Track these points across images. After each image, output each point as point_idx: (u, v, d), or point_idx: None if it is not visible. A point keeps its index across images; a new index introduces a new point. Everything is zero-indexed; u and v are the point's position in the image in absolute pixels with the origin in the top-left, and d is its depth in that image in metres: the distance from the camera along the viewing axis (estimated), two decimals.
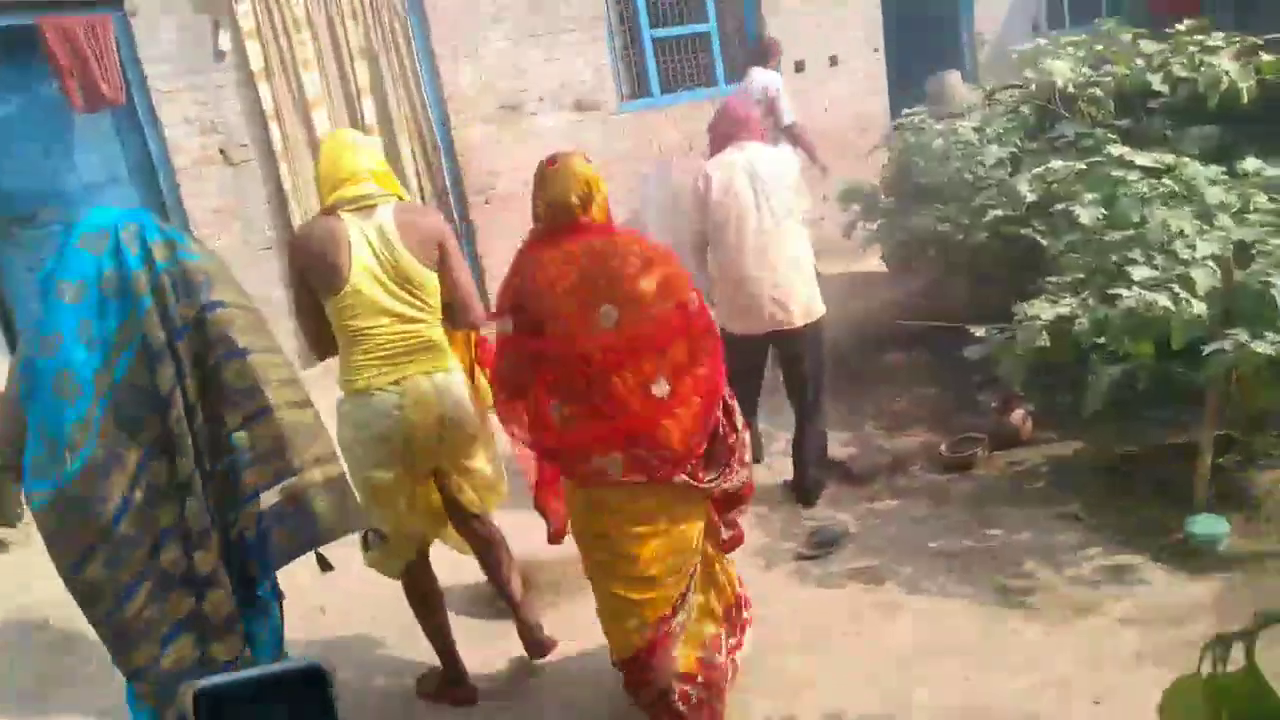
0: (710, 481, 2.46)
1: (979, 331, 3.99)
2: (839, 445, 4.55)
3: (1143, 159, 4.08)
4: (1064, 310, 3.15)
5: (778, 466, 4.42)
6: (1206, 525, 3.15)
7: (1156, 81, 4.41)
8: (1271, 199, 3.71)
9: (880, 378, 5.35)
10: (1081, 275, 3.52)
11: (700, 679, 2.52)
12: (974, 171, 4.69)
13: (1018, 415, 4.33)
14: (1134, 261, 3.30)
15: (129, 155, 5.55)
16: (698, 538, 2.53)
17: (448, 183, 6.46)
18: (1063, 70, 4.43)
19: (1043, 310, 3.23)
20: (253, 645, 2.19)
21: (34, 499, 2.01)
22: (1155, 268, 3.15)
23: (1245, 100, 4.28)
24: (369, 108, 6.00)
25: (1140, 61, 4.51)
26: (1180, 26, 4.48)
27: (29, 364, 2.04)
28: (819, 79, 8.20)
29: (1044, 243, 4.16)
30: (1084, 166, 4.20)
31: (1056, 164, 4.32)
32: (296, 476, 2.13)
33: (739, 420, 2.57)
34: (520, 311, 2.49)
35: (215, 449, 2.12)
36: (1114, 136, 4.39)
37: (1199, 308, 2.93)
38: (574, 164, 2.50)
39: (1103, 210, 3.63)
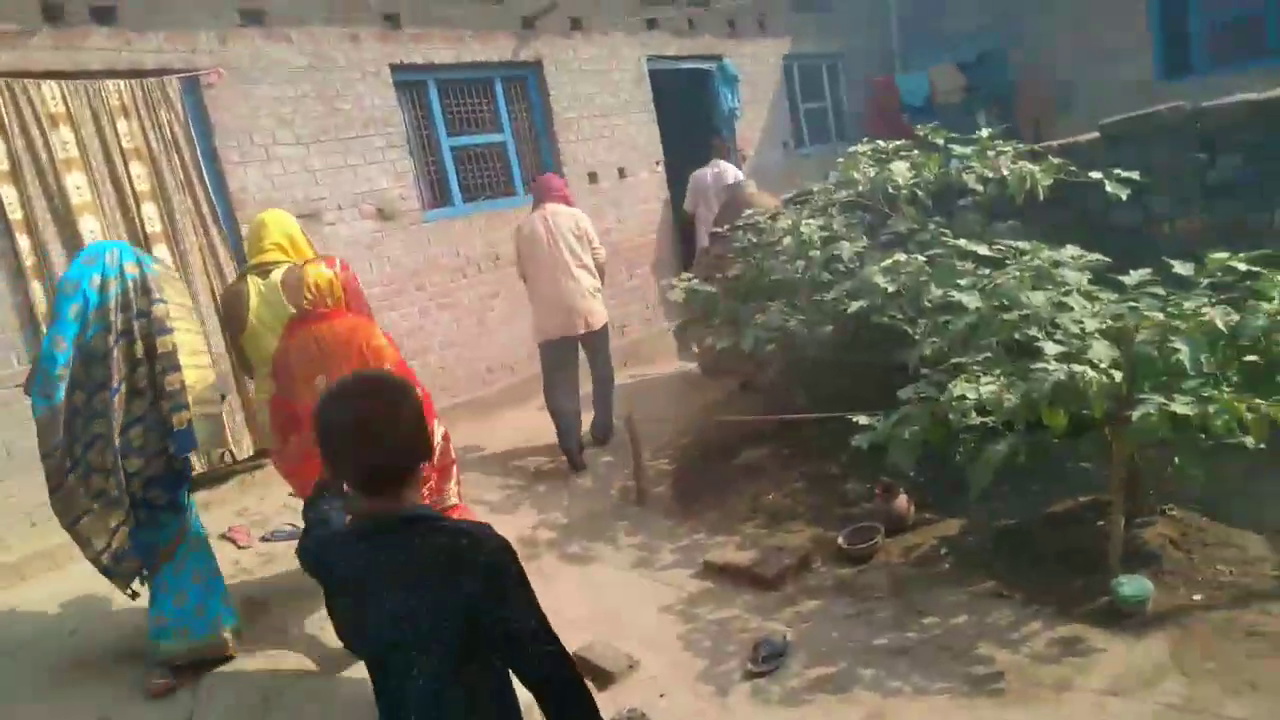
0: None
1: (861, 419, 4.03)
2: (732, 549, 4.36)
3: (981, 249, 4.42)
4: (988, 389, 3.21)
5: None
6: (1134, 586, 3.26)
7: (971, 180, 4.84)
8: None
9: (743, 476, 5.26)
10: (965, 359, 3.64)
11: None
12: (828, 269, 4.82)
13: (901, 500, 4.37)
14: (1034, 339, 3.47)
15: None
16: None
17: None
18: (903, 171, 4.74)
19: (965, 389, 3.28)
20: (165, 530, 3.62)
21: (36, 408, 3.32)
22: (1059, 343, 3.32)
23: (1041, 197, 4.82)
24: (150, 213, 5.16)
25: (955, 164, 4.95)
26: (982, 134, 4.99)
27: (48, 333, 3.41)
28: (610, 188, 8.34)
29: (909, 330, 4.32)
30: (925, 258, 4.47)
31: (904, 256, 4.56)
32: (189, 409, 3.49)
33: (449, 471, 3.54)
34: (280, 378, 3.46)
35: (156, 389, 3.48)
36: (944, 231, 4.74)
37: (1117, 376, 3.10)
38: (307, 275, 3.41)
39: (976, 299, 3.83)
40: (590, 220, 5.82)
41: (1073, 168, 4.71)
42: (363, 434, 1.61)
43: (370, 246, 6.44)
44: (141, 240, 5.12)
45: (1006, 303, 3.66)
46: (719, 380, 6.87)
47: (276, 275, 3.66)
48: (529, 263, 5.59)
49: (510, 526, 4.93)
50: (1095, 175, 4.54)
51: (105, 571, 3.52)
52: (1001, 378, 3.30)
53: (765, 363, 5.65)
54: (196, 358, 3.58)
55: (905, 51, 12.48)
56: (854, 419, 4.01)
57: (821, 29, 11.27)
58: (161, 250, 5.08)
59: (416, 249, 6.69)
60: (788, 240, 4.96)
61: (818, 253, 4.87)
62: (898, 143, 5.09)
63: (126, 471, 3.40)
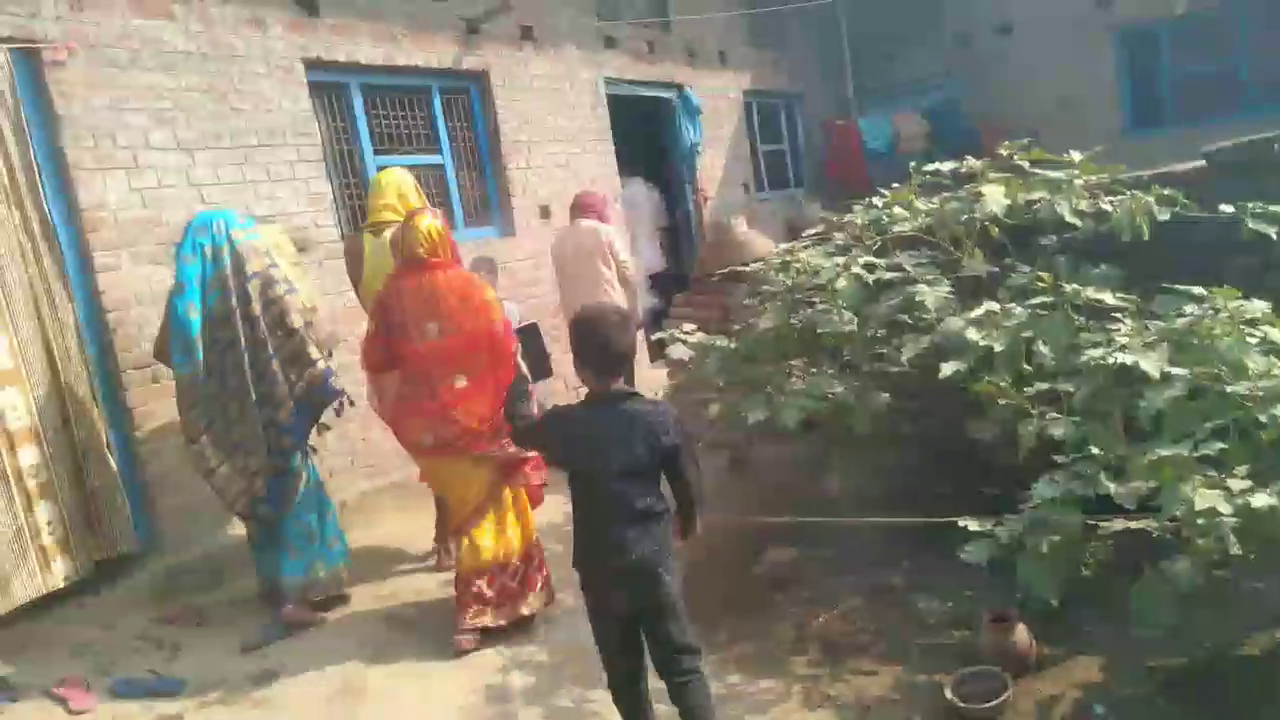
0: (487, 454, 3.62)
1: (973, 524, 2.93)
2: (777, 697, 3.13)
3: (1106, 297, 3.41)
4: (1262, 501, 2.11)
5: None
6: None
7: (1067, 213, 3.85)
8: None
9: (774, 588, 4.04)
10: (1168, 448, 2.56)
11: (496, 584, 3.70)
12: (892, 321, 3.73)
13: (1022, 634, 3.21)
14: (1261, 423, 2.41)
15: None
16: (485, 487, 3.68)
17: (84, 349, 4.17)
18: (997, 199, 3.70)
19: (1210, 498, 2.17)
20: (292, 475, 3.99)
21: (178, 369, 3.85)
22: None
23: (1147, 237, 3.87)
24: None
25: (1042, 195, 3.96)
26: (1075, 156, 4.03)
27: (171, 300, 3.88)
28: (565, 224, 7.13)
29: (1010, 400, 3.22)
30: (1039, 308, 3.43)
31: (995, 306, 3.51)
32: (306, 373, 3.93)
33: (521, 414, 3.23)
34: (382, 316, 3.62)
35: (278, 345, 3.89)
36: (1043, 275, 3.71)
37: None
38: (420, 223, 3.59)
39: (1156, 363, 2.77)
40: (615, 239, 5.71)
41: (1185, 200, 3.78)
42: (615, 338, 2.60)
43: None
44: None
45: (1218, 371, 2.60)
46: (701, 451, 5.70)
47: (387, 234, 3.85)
48: (559, 278, 5.78)
49: (467, 677, 3.57)
50: (1227, 209, 3.62)
51: (241, 515, 4.03)
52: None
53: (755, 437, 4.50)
54: (310, 314, 4.01)
55: (859, 97, 11.88)
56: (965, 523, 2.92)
57: (779, 68, 10.52)
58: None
59: (332, 290, 5.31)
60: (841, 283, 3.83)
61: (882, 302, 3.77)
62: (976, 161, 4.07)
63: (262, 422, 3.83)
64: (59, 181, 4.21)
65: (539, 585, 3.83)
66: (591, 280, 5.56)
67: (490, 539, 3.68)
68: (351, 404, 4.15)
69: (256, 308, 3.81)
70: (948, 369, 3.39)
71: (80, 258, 4.25)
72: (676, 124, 8.58)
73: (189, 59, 4.74)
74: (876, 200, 4.81)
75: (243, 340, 3.79)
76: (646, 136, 8.67)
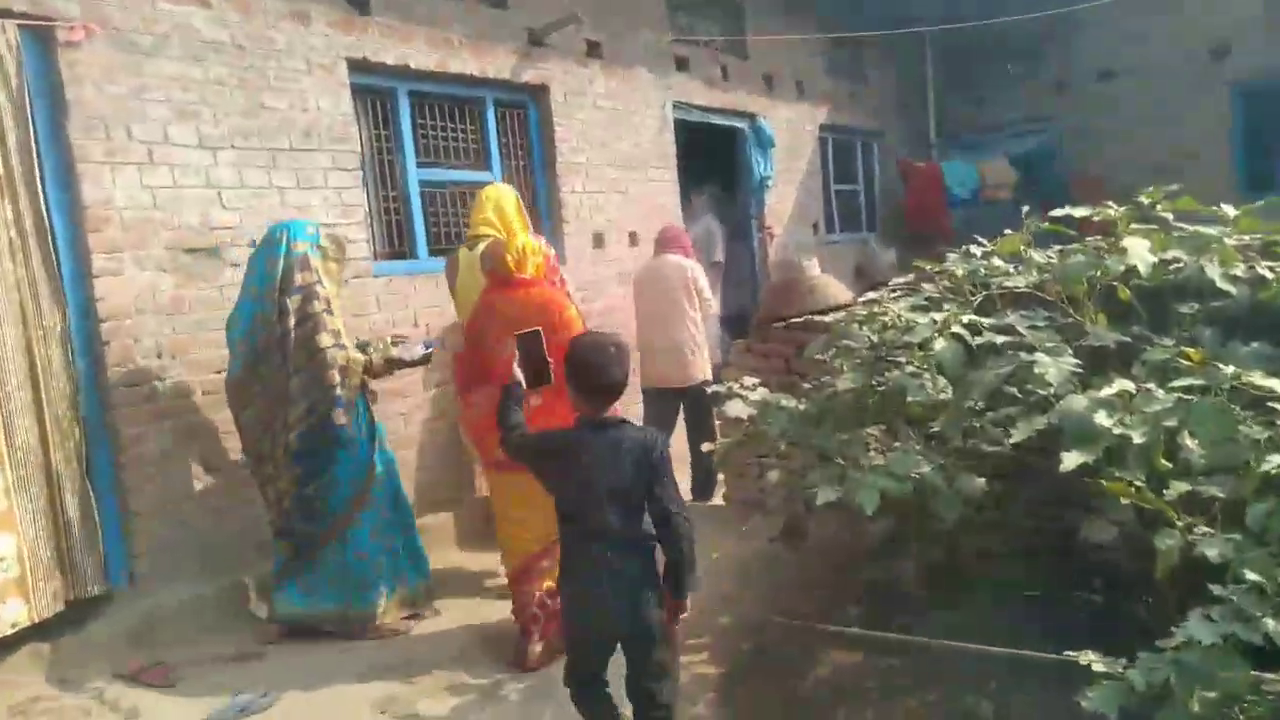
0: None
1: (1097, 662, 2.30)
2: None
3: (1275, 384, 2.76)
4: None
5: None
6: None
7: (1219, 278, 3.21)
8: None
9: (834, 701, 3.40)
10: None
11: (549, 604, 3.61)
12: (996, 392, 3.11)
13: None
14: None
15: None
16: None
17: (72, 361, 3.75)
18: (1143, 255, 3.08)
19: None
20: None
21: (229, 375, 3.91)
22: None
23: None
24: None
25: (1181, 254, 3.32)
26: (1227, 211, 3.39)
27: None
28: (620, 255, 6.63)
29: (1144, 502, 2.57)
30: (1185, 390, 2.80)
31: (1129, 385, 2.88)
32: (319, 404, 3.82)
33: None
34: (472, 332, 3.78)
35: (311, 366, 3.82)
36: (1189, 351, 3.07)
37: None
38: (514, 240, 3.71)
39: None
40: (700, 275, 5.59)
41: None
42: (611, 369, 2.63)
43: None
44: None
45: None
46: (744, 515, 5.10)
47: (479, 249, 3.79)
48: (638, 311, 5.65)
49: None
50: None
51: (276, 534, 3.94)
52: None
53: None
54: (350, 340, 3.96)
55: (942, 140, 11.29)
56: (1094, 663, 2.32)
57: (858, 102, 9.95)
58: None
59: (357, 311, 4.85)
60: (939, 344, 3.23)
61: (986, 369, 3.16)
62: (1115, 208, 3.43)
63: (282, 445, 3.80)
64: (62, 174, 3.82)
65: None
66: (674, 316, 5.42)
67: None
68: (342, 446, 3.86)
69: (291, 321, 3.76)
70: (1071, 460, 2.75)
71: (77, 259, 3.84)
72: (747, 155, 8.05)
73: (221, 50, 4.36)
74: (975, 249, 4.23)
75: (274, 356, 3.77)
76: (713, 167, 8.16)
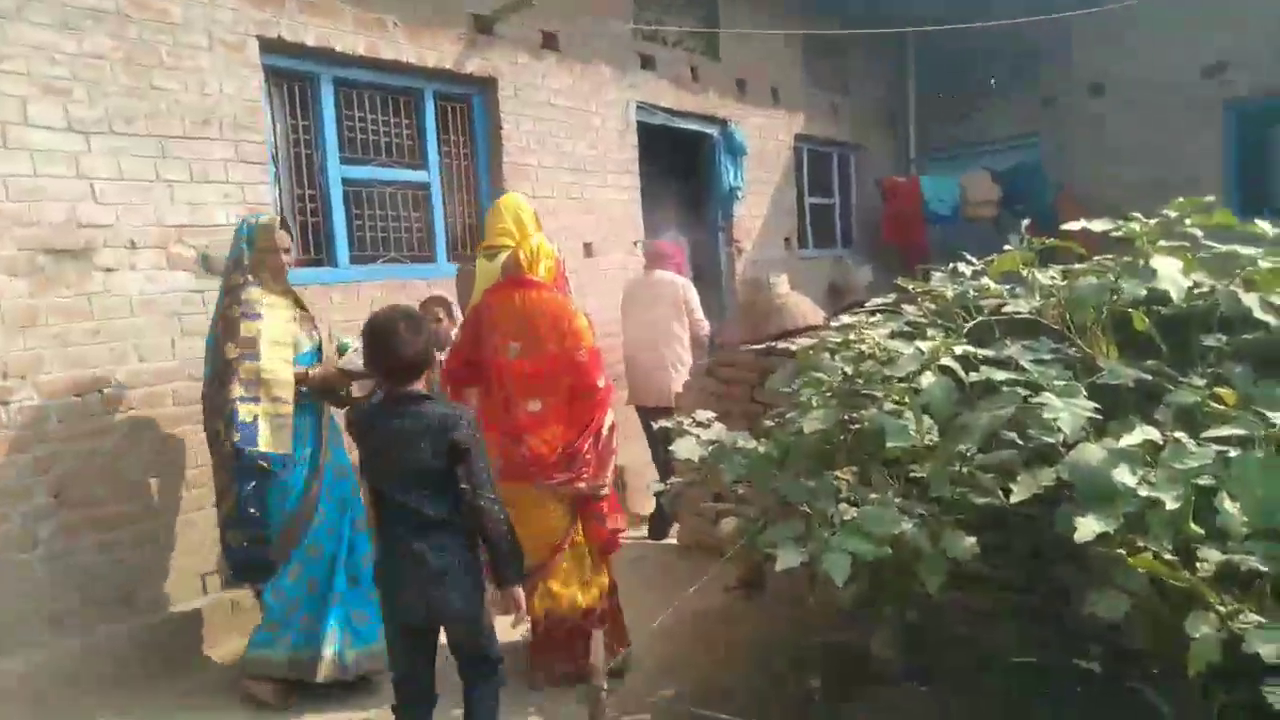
0: (559, 483, 3.41)
1: None
2: None
3: None
4: None
5: None
6: None
7: (1257, 307, 2.72)
8: None
9: None
10: None
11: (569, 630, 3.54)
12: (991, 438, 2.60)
13: None
14: None
15: None
16: (562, 526, 3.49)
17: None
18: (1174, 278, 2.59)
19: None
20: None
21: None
22: None
23: None
24: None
25: (1216, 282, 2.83)
26: (1267, 227, 2.91)
27: None
28: (573, 268, 6.08)
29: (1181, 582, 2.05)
30: (1220, 442, 2.30)
31: (1154, 434, 2.37)
32: (259, 403, 3.36)
33: (607, 459, 3.50)
34: (470, 328, 3.59)
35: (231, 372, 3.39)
36: (1222, 393, 2.57)
37: None
38: (529, 240, 3.58)
39: None
40: (692, 293, 5.51)
41: None
42: (400, 347, 2.54)
43: (175, 314, 4.00)
44: None
45: None
46: (699, 560, 4.60)
47: (499, 259, 3.70)
48: (625, 327, 5.57)
49: None
50: None
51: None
52: None
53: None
54: (279, 350, 3.43)
55: (922, 155, 10.88)
56: None
57: (837, 113, 9.49)
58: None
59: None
60: (927, 378, 2.70)
61: (979, 411, 2.63)
62: (1143, 221, 2.93)
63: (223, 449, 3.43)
64: None
65: (612, 643, 3.62)
66: (662, 334, 5.34)
67: (563, 585, 3.57)
68: (266, 467, 3.34)
69: (218, 329, 3.47)
70: (1087, 528, 2.24)
71: None
72: (716, 163, 7.55)
73: (101, 18, 3.78)
74: (963, 266, 3.74)
75: (211, 360, 3.51)
76: (677, 173, 7.64)
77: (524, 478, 3.39)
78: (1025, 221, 3.53)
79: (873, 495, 2.92)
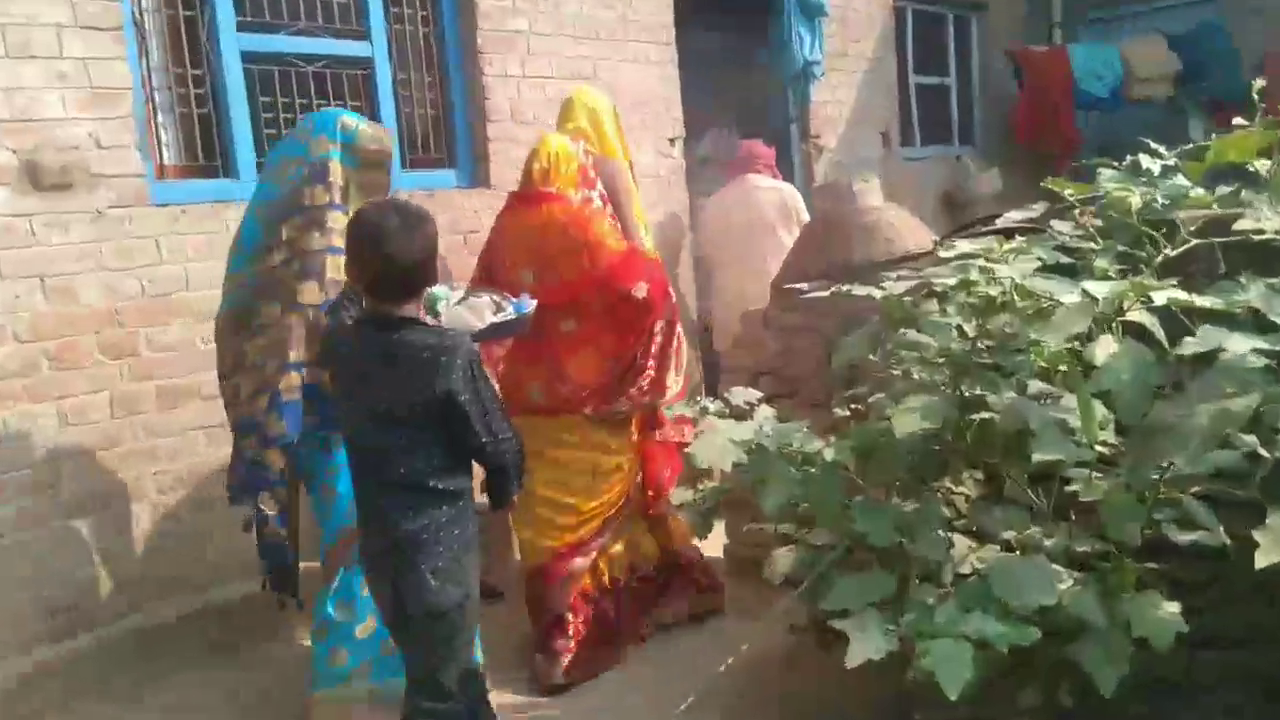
0: (611, 411, 3.60)
1: None
2: None
3: None
4: None
5: None
6: None
7: None
8: None
9: None
10: None
11: (583, 617, 3.64)
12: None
13: None
14: None
15: None
16: (617, 473, 3.69)
17: None
18: None
19: None
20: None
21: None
22: None
23: None
24: None
25: None
26: None
27: None
28: None
29: None
30: None
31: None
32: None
33: (670, 359, 3.64)
34: (485, 255, 3.81)
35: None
36: None
37: None
38: (549, 140, 3.66)
39: None
40: (800, 202, 5.52)
41: None
42: (380, 242, 2.33)
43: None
44: None
45: None
46: (754, 584, 4.10)
47: None
48: (716, 251, 5.50)
49: None
50: None
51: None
52: None
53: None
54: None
55: (1070, 18, 10.34)
56: None
57: None
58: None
59: (123, 263, 3.72)
60: (1108, 348, 1.98)
61: (1193, 405, 1.91)
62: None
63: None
64: None
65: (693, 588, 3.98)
66: (773, 257, 4.90)
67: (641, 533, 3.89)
68: None
69: (277, 258, 3.28)
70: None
71: None
72: (785, 27, 6.94)
73: None
74: (1148, 161, 3.07)
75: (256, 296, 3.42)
76: (733, 48, 7.15)
77: (570, 411, 3.59)
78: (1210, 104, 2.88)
79: (1008, 534, 2.25)
